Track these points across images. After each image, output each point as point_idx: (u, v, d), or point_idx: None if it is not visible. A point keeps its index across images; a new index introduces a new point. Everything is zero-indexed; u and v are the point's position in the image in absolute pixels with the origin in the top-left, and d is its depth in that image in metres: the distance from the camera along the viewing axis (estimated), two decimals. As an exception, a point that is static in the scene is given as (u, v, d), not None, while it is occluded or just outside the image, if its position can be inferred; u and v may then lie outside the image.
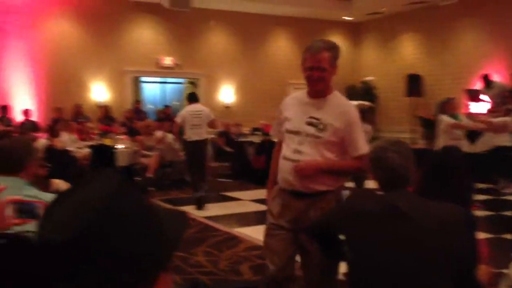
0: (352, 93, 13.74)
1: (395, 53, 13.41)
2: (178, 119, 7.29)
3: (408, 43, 13.06)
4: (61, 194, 0.79)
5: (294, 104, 2.66)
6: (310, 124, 2.53)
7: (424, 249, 1.75)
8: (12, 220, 1.66)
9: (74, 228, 0.72)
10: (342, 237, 2.16)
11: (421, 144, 10.44)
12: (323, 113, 2.53)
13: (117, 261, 0.74)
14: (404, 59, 13.09)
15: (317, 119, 2.52)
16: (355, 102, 6.90)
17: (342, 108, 2.56)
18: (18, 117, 10.18)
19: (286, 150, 2.60)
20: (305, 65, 2.53)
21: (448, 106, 7.05)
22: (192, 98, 7.44)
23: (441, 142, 6.94)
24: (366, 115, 6.78)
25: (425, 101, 11.69)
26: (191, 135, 7.07)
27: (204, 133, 7.21)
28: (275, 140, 2.90)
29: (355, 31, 14.46)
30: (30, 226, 2.01)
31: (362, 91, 13.65)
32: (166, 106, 11.90)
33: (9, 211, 1.65)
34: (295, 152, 2.53)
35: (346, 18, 13.71)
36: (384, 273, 1.79)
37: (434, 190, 2.16)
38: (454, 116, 7.00)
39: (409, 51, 13.03)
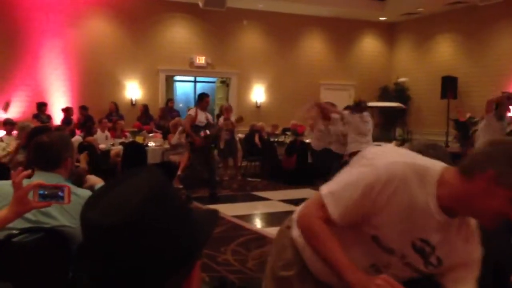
0: (385, 94, 13.58)
1: (431, 54, 13.12)
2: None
3: (445, 44, 12.76)
4: (104, 186, 0.86)
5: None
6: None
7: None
8: (34, 204, 1.69)
9: (125, 212, 0.78)
10: None
11: (455, 148, 10.21)
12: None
13: (162, 242, 0.80)
14: (440, 60, 12.79)
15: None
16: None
17: None
18: (54, 114, 10.42)
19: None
20: None
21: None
22: None
23: (481, 143, 6.77)
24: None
25: (460, 103, 11.39)
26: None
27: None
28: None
29: (389, 31, 14.23)
30: (66, 220, 2.05)
31: (395, 93, 13.45)
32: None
33: (31, 195, 1.68)
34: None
35: (381, 18, 13.51)
36: None
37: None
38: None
39: (445, 52, 12.73)
